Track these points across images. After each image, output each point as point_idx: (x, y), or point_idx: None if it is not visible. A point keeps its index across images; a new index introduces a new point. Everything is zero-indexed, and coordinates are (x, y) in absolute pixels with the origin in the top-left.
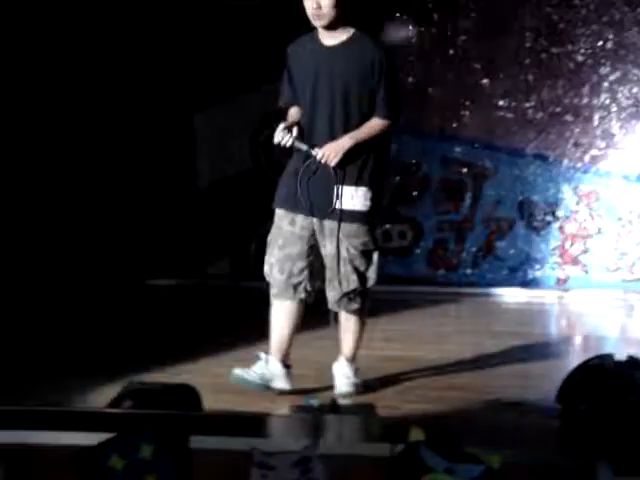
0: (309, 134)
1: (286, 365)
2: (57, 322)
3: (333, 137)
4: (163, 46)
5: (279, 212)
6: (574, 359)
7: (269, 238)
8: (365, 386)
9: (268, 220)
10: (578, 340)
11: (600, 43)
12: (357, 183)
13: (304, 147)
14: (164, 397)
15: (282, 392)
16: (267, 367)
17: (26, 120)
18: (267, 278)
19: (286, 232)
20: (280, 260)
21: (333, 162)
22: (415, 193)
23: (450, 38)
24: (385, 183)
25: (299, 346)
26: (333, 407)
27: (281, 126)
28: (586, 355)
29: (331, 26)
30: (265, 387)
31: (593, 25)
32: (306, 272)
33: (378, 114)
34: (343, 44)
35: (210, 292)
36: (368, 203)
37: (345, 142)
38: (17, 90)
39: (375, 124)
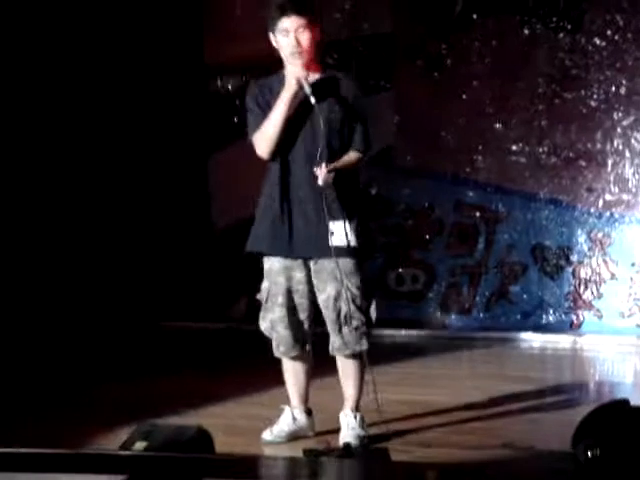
0: (286, 169)
1: (309, 412)
2: (71, 363)
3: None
4: (177, 90)
5: (273, 264)
6: (588, 404)
7: (264, 294)
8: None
9: None
10: (592, 385)
11: (613, 89)
12: (343, 218)
13: (312, 99)
14: (176, 439)
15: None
16: (294, 423)
17: (46, 159)
18: (268, 335)
19: (284, 288)
20: (283, 316)
21: (328, 181)
22: (428, 237)
23: (463, 83)
24: (369, 219)
25: (315, 389)
26: (346, 451)
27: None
28: (600, 400)
29: (308, 64)
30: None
31: (606, 71)
32: (307, 323)
33: (355, 147)
34: (321, 80)
35: (225, 334)
36: (357, 238)
37: (335, 167)
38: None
39: (352, 157)
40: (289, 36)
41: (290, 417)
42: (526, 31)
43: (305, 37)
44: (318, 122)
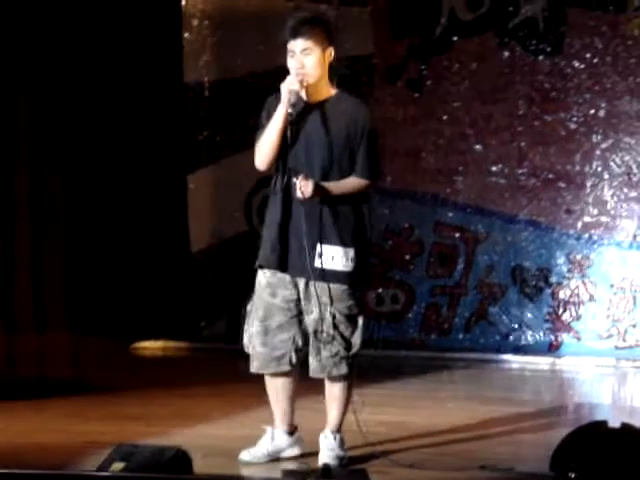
0: (286, 190)
1: (291, 432)
2: (53, 383)
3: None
4: (156, 107)
5: (261, 279)
6: (567, 426)
7: (248, 307)
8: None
9: None
10: (571, 407)
11: (592, 111)
12: (337, 242)
13: (301, 102)
14: (155, 460)
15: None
16: (273, 443)
17: (33, 172)
18: (246, 349)
19: (267, 303)
20: (260, 332)
21: (307, 194)
22: (408, 257)
23: (443, 104)
24: (369, 244)
25: (298, 408)
26: (325, 472)
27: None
28: (579, 422)
29: (315, 85)
30: (276, 459)
31: (585, 93)
32: (289, 344)
33: (357, 173)
34: (325, 102)
35: (204, 355)
36: (350, 264)
37: (322, 184)
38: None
39: (353, 181)
40: (294, 57)
41: (269, 437)
42: (506, 53)
43: (310, 59)
44: (317, 138)
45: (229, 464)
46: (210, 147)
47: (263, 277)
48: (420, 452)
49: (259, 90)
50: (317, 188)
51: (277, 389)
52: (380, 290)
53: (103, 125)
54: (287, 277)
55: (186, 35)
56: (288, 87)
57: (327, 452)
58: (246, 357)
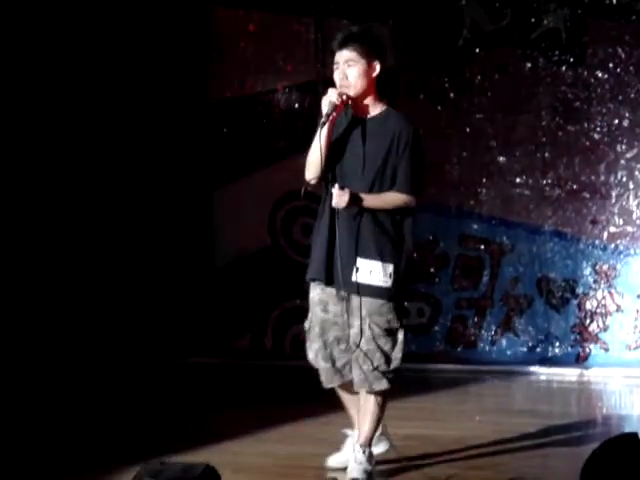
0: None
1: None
2: (75, 402)
3: (359, 209)
4: (182, 123)
5: (313, 296)
6: (596, 438)
7: (306, 325)
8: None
9: (288, 297)
10: (600, 419)
11: (616, 121)
12: (376, 257)
13: (334, 102)
14: (184, 477)
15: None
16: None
17: (48, 184)
18: (314, 366)
19: (321, 319)
20: (322, 347)
21: (342, 204)
22: (433, 270)
23: (466, 116)
24: (410, 260)
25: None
26: None
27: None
28: (608, 434)
29: (361, 98)
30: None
31: (609, 103)
32: (349, 353)
33: (397, 187)
34: (373, 118)
35: (229, 370)
36: (388, 279)
37: (359, 195)
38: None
39: (393, 195)
40: (339, 69)
41: (352, 444)
42: (528, 64)
43: (353, 71)
44: (362, 154)
45: (258, 479)
46: (234, 163)
47: (315, 294)
48: (450, 465)
49: (281, 106)
50: (353, 198)
51: (348, 398)
52: (406, 303)
53: (130, 142)
54: (334, 291)
55: (212, 52)
56: (327, 98)
57: (355, 465)
58: (271, 372)
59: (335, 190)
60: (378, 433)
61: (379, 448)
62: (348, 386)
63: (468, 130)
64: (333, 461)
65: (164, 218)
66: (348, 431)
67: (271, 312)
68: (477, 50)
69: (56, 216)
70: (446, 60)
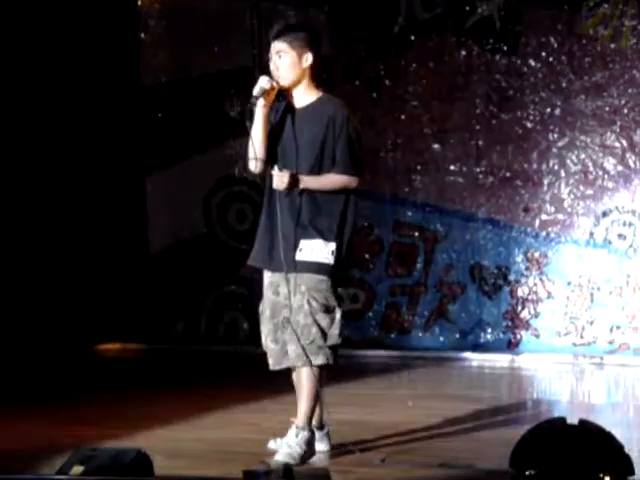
0: (272, 191)
1: (319, 426)
2: (6, 388)
3: (298, 195)
4: (115, 108)
5: (265, 279)
6: (526, 423)
7: (260, 307)
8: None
9: (223, 283)
10: (529, 404)
11: (548, 110)
12: (317, 236)
13: (264, 87)
14: (114, 463)
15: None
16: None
17: None
18: (264, 349)
19: (272, 302)
20: (272, 330)
21: (282, 185)
22: (367, 256)
23: (401, 103)
24: (351, 240)
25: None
26: (286, 472)
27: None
28: (537, 419)
29: (294, 88)
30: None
31: (541, 92)
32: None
33: (336, 169)
34: (306, 107)
35: (163, 357)
36: (330, 256)
37: (298, 176)
38: None
39: (333, 177)
40: (272, 60)
41: (293, 432)
42: (463, 52)
43: (284, 62)
44: (300, 142)
45: (192, 465)
46: (168, 148)
47: (266, 277)
48: (381, 451)
49: (216, 90)
50: (293, 179)
51: (297, 383)
52: (340, 289)
53: (60, 127)
54: (281, 274)
55: (142, 35)
56: (258, 84)
57: (285, 447)
58: (205, 358)
59: (275, 172)
60: (324, 432)
61: (320, 446)
62: (298, 375)
63: (403, 117)
64: (273, 444)
65: (97, 204)
66: (294, 419)
67: (206, 298)
68: (412, 37)
69: None
70: (381, 47)
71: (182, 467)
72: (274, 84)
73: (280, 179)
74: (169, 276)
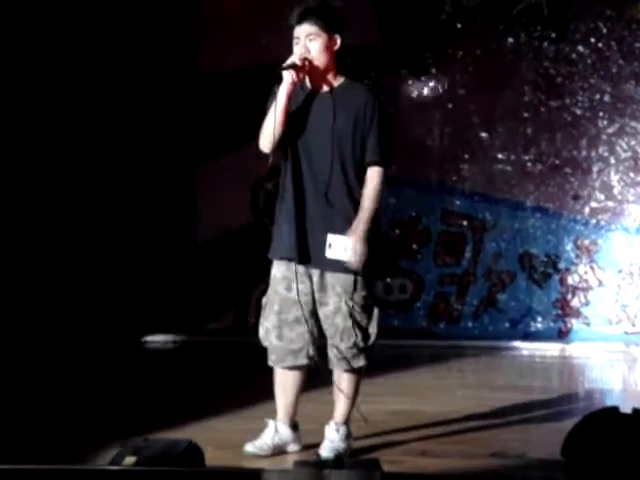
0: (297, 179)
1: (294, 426)
2: (54, 382)
3: (327, 183)
4: (164, 100)
5: (276, 272)
6: (577, 412)
7: (264, 300)
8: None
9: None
10: (581, 393)
11: (598, 96)
12: (349, 233)
13: (295, 62)
14: (166, 454)
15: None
16: (277, 435)
17: (30, 170)
18: (263, 343)
19: (282, 297)
20: (277, 326)
21: (361, 258)
22: (415, 246)
23: (448, 92)
24: (382, 235)
25: (306, 400)
26: (337, 462)
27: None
28: (589, 408)
29: (323, 72)
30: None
31: (590, 79)
32: (307, 337)
33: (372, 161)
34: (333, 91)
35: (212, 348)
36: (365, 256)
37: (362, 235)
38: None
39: (372, 177)
40: (299, 43)
41: (273, 430)
42: (510, 40)
43: (314, 45)
44: (324, 128)
45: (241, 457)
46: (217, 140)
47: (278, 271)
48: (430, 441)
49: (265, 82)
50: (364, 242)
51: (288, 382)
52: (388, 280)
53: (111, 119)
54: (301, 269)
55: (196, 26)
56: (291, 58)
57: (326, 442)
58: (255, 349)
59: (352, 250)
60: (298, 431)
61: (296, 445)
62: (294, 371)
63: (450, 106)
64: (251, 447)
65: (146, 196)
66: (269, 420)
67: (253, 289)
68: (459, 25)
69: (32, 191)
70: (428, 35)
71: (232, 458)
72: (307, 63)
73: (360, 257)
74: (217, 267)
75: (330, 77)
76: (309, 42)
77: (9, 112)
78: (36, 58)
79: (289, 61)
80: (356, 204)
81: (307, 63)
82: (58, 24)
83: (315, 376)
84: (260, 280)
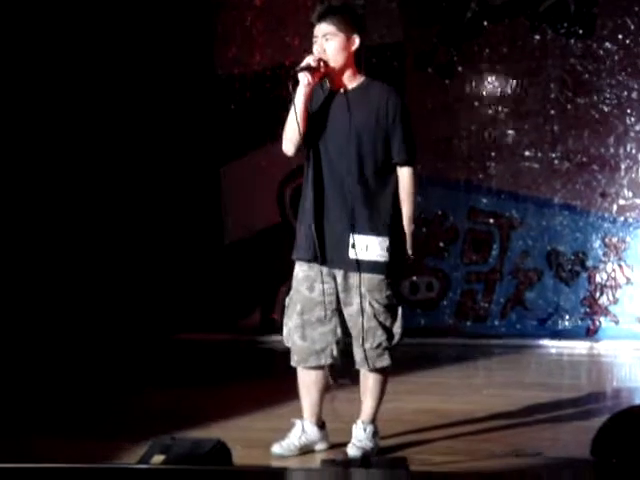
0: (318, 179)
1: (321, 425)
2: (86, 379)
3: (347, 183)
4: (190, 101)
5: (298, 272)
6: (606, 411)
7: (287, 300)
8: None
9: None
10: (610, 391)
11: (625, 93)
12: (371, 232)
13: (310, 64)
14: (194, 452)
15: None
16: (305, 435)
17: (57, 167)
18: (286, 343)
19: (305, 297)
20: (300, 326)
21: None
22: (442, 244)
23: (475, 89)
24: (405, 234)
25: (333, 399)
26: (364, 461)
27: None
28: (618, 406)
29: (340, 71)
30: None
31: (618, 75)
32: (329, 337)
33: (399, 160)
34: (354, 90)
35: (239, 346)
36: (385, 253)
37: (410, 229)
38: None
39: (404, 176)
40: (317, 42)
41: (300, 430)
42: (537, 37)
43: (330, 45)
44: (344, 127)
45: (268, 456)
46: (242, 139)
47: (300, 270)
48: (458, 439)
49: (288, 82)
50: (412, 253)
51: (311, 382)
52: (415, 278)
53: (137, 119)
54: (324, 269)
55: (218, 27)
56: (305, 60)
57: (354, 441)
58: (282, 349)
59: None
60: (325, 430)
61: (324, 444)
62: (317, 371)
63: (476, 104)
64: (278, 448)
65: (173, 194)
66: (296, 420)
67: (279, 287)
68: (485, 23)
69: (61, 189)
70: (454, 33)
71: (259, 457)
72: (322, 64)
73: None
74: (244, 266)
75: (349, 77)
76: (325, 42)
77: (28, 112)
78: (59, 62)
79: (304, 63)
80: (379, 205)
81: (322, 64)
82: (84, 28)
83: (343, 375)
84: (286, 279)
